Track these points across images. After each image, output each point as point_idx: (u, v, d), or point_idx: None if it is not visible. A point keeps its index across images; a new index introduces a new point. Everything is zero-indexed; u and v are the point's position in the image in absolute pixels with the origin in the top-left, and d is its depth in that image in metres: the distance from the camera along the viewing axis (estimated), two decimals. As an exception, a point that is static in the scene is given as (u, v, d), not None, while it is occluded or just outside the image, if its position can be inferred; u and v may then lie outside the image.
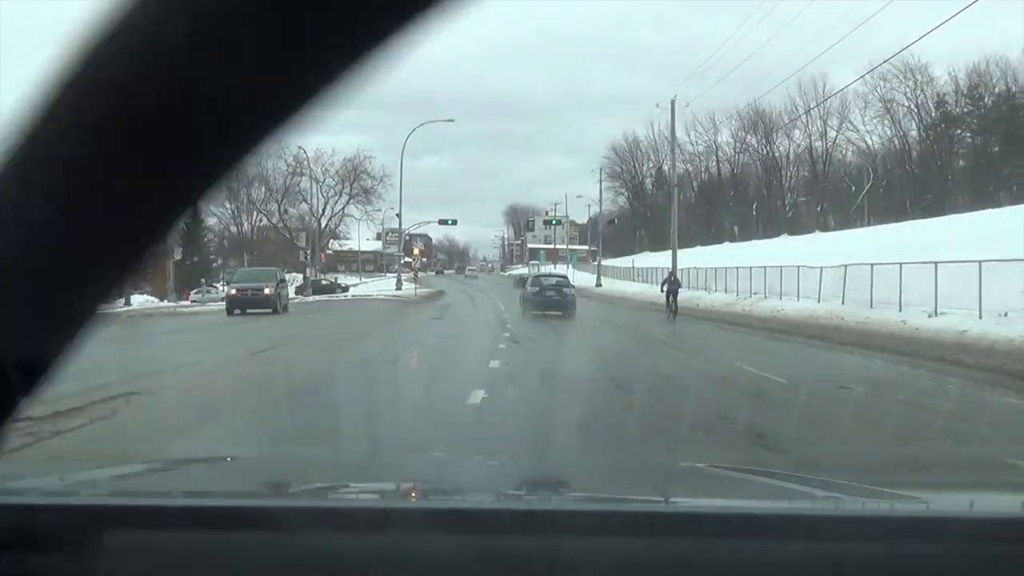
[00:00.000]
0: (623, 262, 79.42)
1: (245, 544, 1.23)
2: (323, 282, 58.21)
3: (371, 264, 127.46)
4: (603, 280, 65.93)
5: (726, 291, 38.71)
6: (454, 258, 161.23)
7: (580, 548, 1.25)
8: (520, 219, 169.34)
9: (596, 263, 75.79)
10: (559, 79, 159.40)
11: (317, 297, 50.50)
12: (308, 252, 65.40)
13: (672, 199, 46.03)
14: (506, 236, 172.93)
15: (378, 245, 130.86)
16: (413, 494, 1.92)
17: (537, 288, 28.77)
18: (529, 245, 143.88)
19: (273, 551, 1.20)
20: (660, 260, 67.73)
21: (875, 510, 1.68)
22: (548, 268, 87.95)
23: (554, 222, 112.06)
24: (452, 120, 63.47)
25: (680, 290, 31.86)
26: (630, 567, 1.23)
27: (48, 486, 1.86)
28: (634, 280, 63.27)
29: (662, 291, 31.67)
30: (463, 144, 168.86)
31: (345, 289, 58.58)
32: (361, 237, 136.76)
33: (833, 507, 1.76)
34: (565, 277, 33.13)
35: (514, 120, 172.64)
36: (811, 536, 1.32)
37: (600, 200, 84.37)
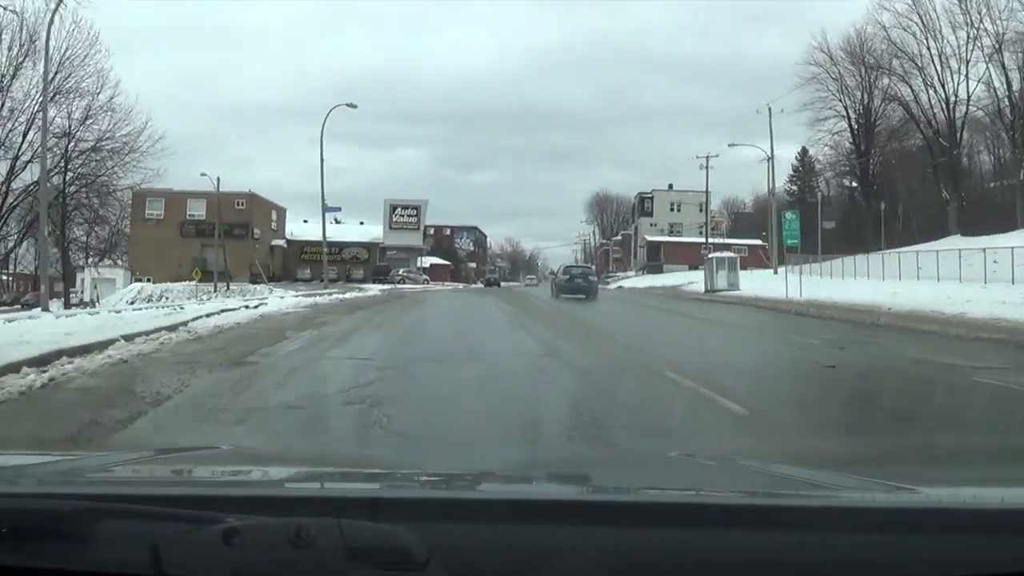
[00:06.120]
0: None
1: (236, 531, 1.16)
2: None
3: (364, 265, 69.65)
4: None
5: None
6: (519, 267, 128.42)
7: (571, 538, 1.23)
8: (610, 213, 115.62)
9: None
10: (609, 92, 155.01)
11: None
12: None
13: None
14: (592, 238, 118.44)
15: (377, 232, 72.33)
16: (403, 483, 1.85)
17: (567, 277, 34.36)
18: (647, 237, 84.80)
19: (265, 538, 1.16)
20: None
21: (862, 501, 1.63)
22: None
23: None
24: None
25: None
26: (620, 557, 1.21)
27: (41, 475, 1.82)
28: None
29: None
30: (517, 158, 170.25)
31: None
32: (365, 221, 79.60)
33: (818, 499, 1.67)
34: (589, 267, 45.14)
35: (566, 134, 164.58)
36: (798, 527, 1.29)
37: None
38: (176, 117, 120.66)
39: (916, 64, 50.35)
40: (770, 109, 49.76)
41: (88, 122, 39.92)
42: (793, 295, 27.69)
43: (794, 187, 75.92)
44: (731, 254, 40.33)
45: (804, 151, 72.49)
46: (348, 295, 29.90)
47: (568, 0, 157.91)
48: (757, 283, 39.30)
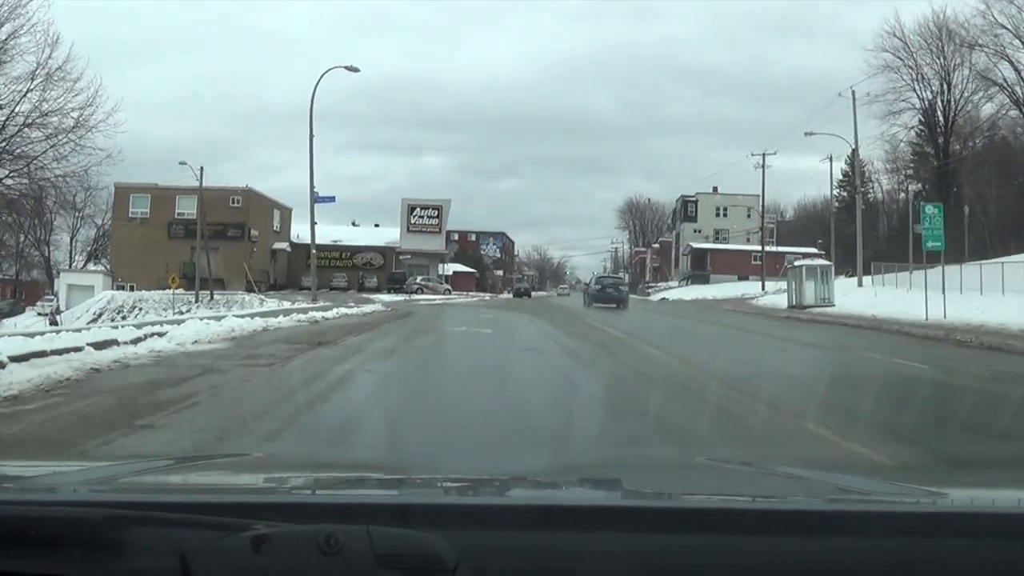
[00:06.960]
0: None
1: (265, 539, 1.17)
2: None
3: (379, 272, 62.88)
4: None
5: None
6: (546, 276, 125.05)
7: (601, 544, 1.23)
8: (643, 219, 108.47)
9: None
10: (635, 102, 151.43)
11: None
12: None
13: None
14: (623, 246, 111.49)
15: (394, 236, 65.60)
16: (432, 489, 1.85)
17: (600, 287, 36.60)
18: (692, 244, 77.08)
19: (294, 545, 1.17)
20: None
21: (892, 505, 1.63)
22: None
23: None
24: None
25: None
26: (651, 563, 1.22)
27: (70, 483, 1.79)
28: None
29: None
30: (542, 167, 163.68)
31: None
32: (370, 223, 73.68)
33: (849, 503, 1.66)
34: (620, 277, 49.17)
35: (592, 143, 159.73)
36: (827, 531, 1.29)
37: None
38: (199, 122, 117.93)
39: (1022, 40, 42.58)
40: (853, 93, 42.29)
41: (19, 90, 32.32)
42: (934, 315, 20.15)
43: (844, 193, 68.34)
44: (823, 261, 32.62)
45: (855, 153, 65.41)
46: (330, 313, 22.38)
47: (594, 11, 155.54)
48: (847, 297, 31.75)
